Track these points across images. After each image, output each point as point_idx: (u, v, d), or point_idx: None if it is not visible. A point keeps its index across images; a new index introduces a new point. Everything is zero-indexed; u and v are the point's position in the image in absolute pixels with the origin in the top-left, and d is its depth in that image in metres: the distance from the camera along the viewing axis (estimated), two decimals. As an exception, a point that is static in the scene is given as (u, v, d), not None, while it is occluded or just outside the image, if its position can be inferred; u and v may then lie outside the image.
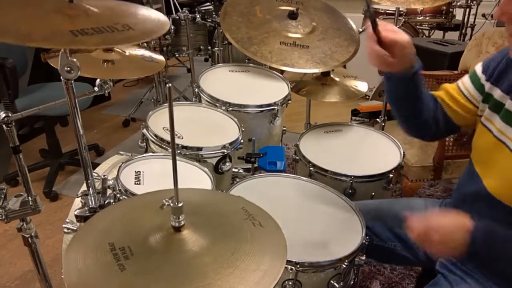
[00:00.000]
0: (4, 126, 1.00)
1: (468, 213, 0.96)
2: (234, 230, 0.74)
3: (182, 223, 0.70)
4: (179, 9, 3.25)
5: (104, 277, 0.62)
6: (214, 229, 0.74)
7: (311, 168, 1.46)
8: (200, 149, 1.37)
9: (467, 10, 3.76)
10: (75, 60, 0.88)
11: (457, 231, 0.88)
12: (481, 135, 1.02)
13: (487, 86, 1.02)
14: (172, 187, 0.69)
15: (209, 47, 3.32)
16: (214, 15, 3.04)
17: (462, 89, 1.08)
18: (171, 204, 0.69)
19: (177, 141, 1.36)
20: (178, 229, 0.70)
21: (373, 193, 1.45)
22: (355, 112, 2.34)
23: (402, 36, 0.98)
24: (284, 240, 0.74)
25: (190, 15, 2.81)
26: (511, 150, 0.92)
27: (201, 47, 3.30)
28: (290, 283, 1.00)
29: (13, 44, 0.66)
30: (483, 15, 4.02)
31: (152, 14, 0.90)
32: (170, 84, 0.61)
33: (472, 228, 0.87)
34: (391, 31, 0.98)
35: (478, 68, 1.06)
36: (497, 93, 0.99)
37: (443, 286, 1.03)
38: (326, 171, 1.43)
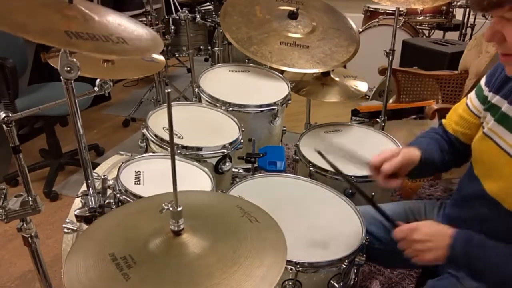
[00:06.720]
0: (4, 126, 1.00)
1: (470, 215, 1.01)
2: (232, 229, 0.75)
3: (182, 227, 0.69)
4: (179, 9, 3.26)
5: (110, 288, 0.62)
6: (213, 230, 0.74)
7: (311, 168, 1.46)
8: (200, 149, 1.37)
9: (467, 10, 3.76)
10: (75, 60, 0.88)
11: (438, 233, 0.94)
12: (479, 140, 1.03)
13: (490, 96, 1.03)
14: (170, 188, 0.68)
15: (209, 47, 3.32)
16: (214, 15, 3.04)
17: (470, 106, 1.10)
18: (171, 208, 0.68)
19: (177, 141, 1.36)
20: (178, 233, 0.70)
21: (373, 193, 1.45)
22: (355, 112, 2.33)
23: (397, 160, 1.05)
24: (281, 232, 0.74)
25: (190, 15, 2.81)
26: (500, 148, 0.93)
27: (201, 47, 3.30)
28: (290, 283, 1.00)
29: (7, 32, 0.65)
30: (483, 15, 4.02)
31: (148, 34, 0.92)
32: (169, 89, 0.60)
33: (453, 234, 0.93)
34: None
35: (482, 81, 1.08)
36: (495, 99, 1.00)
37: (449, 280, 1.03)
38: (326, 171, 1.43)
